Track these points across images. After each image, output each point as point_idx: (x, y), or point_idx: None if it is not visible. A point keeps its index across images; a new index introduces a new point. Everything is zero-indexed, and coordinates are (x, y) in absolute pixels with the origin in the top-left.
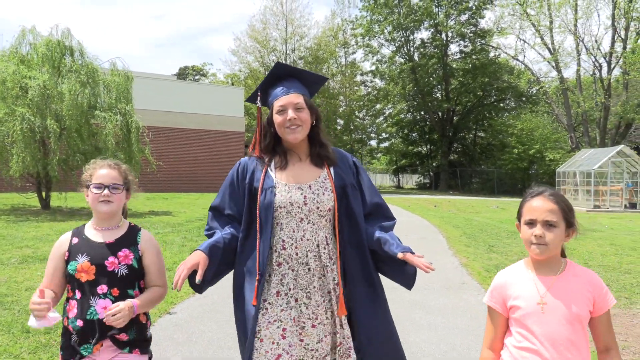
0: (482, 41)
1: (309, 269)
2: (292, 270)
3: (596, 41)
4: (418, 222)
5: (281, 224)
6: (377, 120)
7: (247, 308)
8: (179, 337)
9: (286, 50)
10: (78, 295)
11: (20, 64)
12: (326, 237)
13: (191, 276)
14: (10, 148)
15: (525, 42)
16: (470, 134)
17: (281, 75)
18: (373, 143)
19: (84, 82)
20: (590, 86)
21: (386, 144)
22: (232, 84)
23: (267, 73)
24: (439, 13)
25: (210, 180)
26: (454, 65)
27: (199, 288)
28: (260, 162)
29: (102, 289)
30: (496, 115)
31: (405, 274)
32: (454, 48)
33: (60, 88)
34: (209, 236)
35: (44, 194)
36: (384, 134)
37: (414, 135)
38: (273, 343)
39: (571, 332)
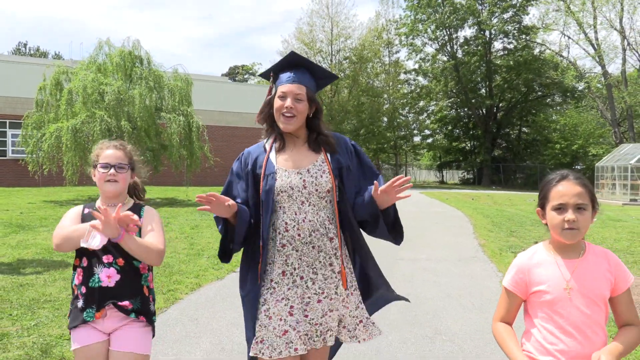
0: (527, 38)
1: (312, 247)
2: (296, 251)
3: None
4: (451, 212)
5: (283, 207)
6: (420, 117)
7: (253, 288)
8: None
9: (331, 51)
10: (85, 263)
11: (98, 72)
12: (327, 216)
13: (220, 248)
14: (90, 146)
15: (569, 38)
16: (515, 130)
17: (292, 63)
18: (417, 139)
19: (151, 87)
20: (636, 81)
21: (429, 141)
22: None
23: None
24: (483, 11)
25: None
26: (498, 62)
27: (227, 256)
28: (263, 149)
29: (108, 258)
30: (541, 111)
31: (385, 226)
32: (497, 45)
33: (131, 93)
34: (219, 217)
35: None
36: (426, 131)
37: (457, 131)
38: (281, 320)
39: (597, 314)
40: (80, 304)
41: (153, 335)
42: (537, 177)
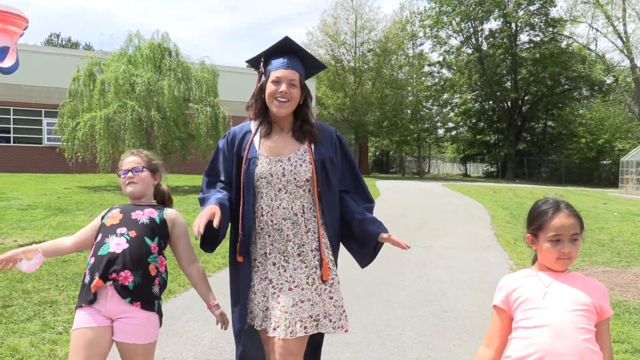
0: (553, 30)
1: (281, 235)
2: (269, 236)
3: None
4: (471, 204)
5: (261, 192)
6: (444, 109)
7: (239, 265)
8: None
9: (355, 44)
10: (99, 238)
11: (129, 64)
12: (304, 206)
13: (202, 237)
14: (122, 135)
15: (597, 30)
16: (540, 124)
17: (286, 49)
18: (440, 132)
19: (179, 78)
20: None
21: (453, 133)
22: None
23: (336, 63)
24: (509, 3)
25: None
26: (523, 55)
27: (210, 247)
28: (248, 131)
29: (122, 230)
30: (567, 105)
31: (368, 254)
32: (523, 37)
33: (160, 84)
34: (204, 199)
35: None
36: (450, 124)
37: (481, 124)
38: (264, 296)
39: (577, 319)
40: (87, 279)
41: (160, 322)
42: (562, 172)
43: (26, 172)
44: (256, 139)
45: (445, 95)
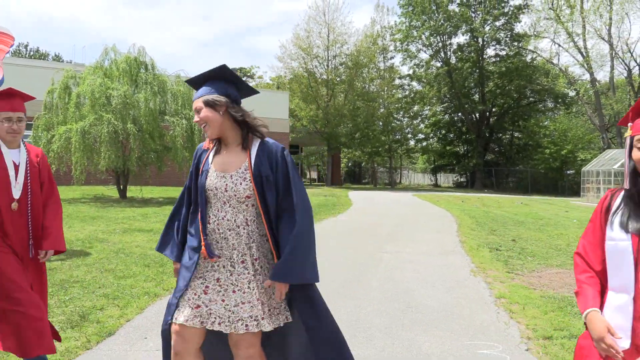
0: (518, 45)
1: (227, 243)
2: (217, 242)
3: (627, 45)
4: (440, 213)
5: (210, 202)
6: (414, 121)
7: (183, 262)
8: None
9: (328, 57)
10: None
11: (105, 77)
12: (247, 219)
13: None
14: (98, 147)
15: (559, 45)
16: (507, 135)
17: (199, 81)
18: (412, 143)
19: (155, 92)
20: (625, 87)
21: (424, 144)
22: (278, 87)
23: (309, 76)
24: (476, 19)
25: None
26: (490, 69)
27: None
28: (208, 147)
29: None
30: (532, 116)
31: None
32: (490, 52)
33: (137, 97)
34: (169, 227)
35: (122, 185)
36: (420, 135)
37: (451, 135)
38: (195, 294)
39: None
40: None
41: None
42: (528, 181)
43: None
44: (211, 154)
45: (416, 107)
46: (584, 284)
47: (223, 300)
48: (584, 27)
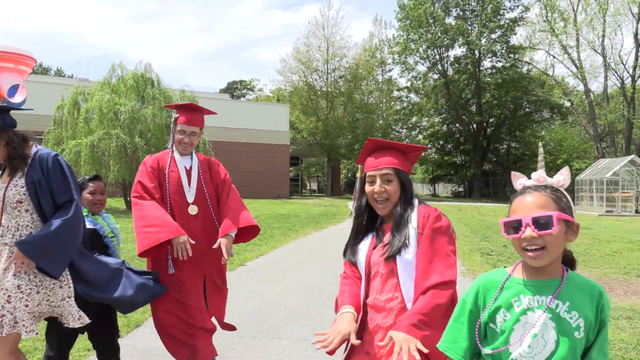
0: (514, 57)
1: (8, 249)
2: (3, 250)
3: (619, 56)
4: None
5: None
6: (413, 132)
7: None
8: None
9: (327, 70)
10: None
11: (112, 93)
12: (25, 224)
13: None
14: (107, 161)
15: (554, 57)
16: (504, 145)
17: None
18: None
19: (161, 106)
20: (618, 98)
21: (422, 155)
22: (278, 100)
23: (309, 89)
24: (472, 32)
25: (262, 188)
26: (487, 80)
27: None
28: None
29: None
30: (528, 127)
31: None
32: (486, 63)
33: (144, 112)
34: None
35: (128, 197)
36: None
37: (448, 146)
38: (2, 307)
39: None
40: None
41: None
42: None
43: None
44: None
45: (414, 119)
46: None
47: (27, 305)
48: (577, 39)
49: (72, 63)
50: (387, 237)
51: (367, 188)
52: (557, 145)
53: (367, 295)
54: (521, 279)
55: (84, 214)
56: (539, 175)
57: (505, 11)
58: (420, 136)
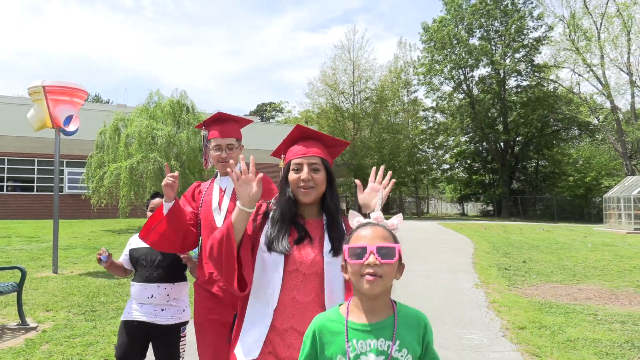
0: (540, 75)
1: None
2: None
3: None
4: (460, 239)
5: None
6: (439, 152)
7: None
8: None
9: (354, 92)
10: None
11: (150, 119)
12: None
13: None
14: (144, 182)
15: (579, 75)
16: (532, 163)
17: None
18: (438, 173)
19: (196, 131)
20: None
21: (448, 174)
22: (306, 122)
23: (335, 111)
24: (495, 52)
25: None
26: (512, 99)
27: None
28: None
29: None
30: (556, 145)
31: None
32: (511, 83)
33: (179, 136)
34: None
35: None
36: (445, 165)
37: (476, 165)
38: None
39: None
40: None
41: None
42: (554, 209)
43: (48, 219)
44: None
45: (440, 138)
46: None
47: None
48: (602, 57)
49: (107, 88)
50: (315, 233)
51: (292, 176)
52: (586, 162)
53: (280, 291)
54: (355, 322)
55: None
56: (378, 215)
57: (529, 31)
58: (447, 155)
